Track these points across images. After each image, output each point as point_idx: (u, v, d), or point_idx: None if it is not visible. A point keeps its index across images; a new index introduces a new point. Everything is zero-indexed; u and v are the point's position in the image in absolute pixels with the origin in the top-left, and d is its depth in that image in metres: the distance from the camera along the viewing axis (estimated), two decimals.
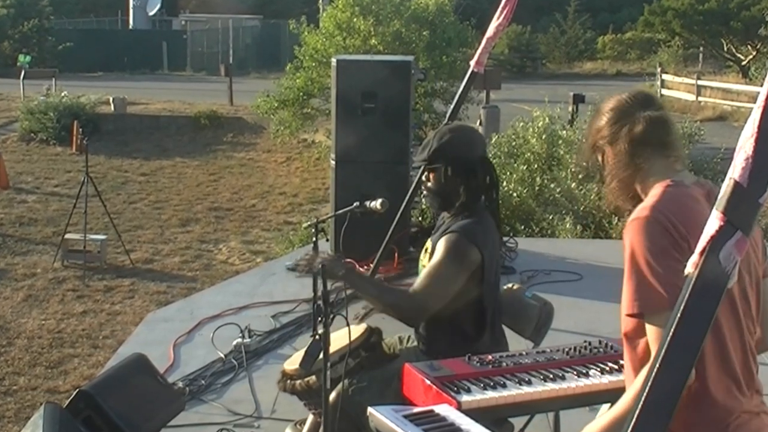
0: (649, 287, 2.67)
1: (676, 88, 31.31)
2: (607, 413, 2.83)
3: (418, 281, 4.10)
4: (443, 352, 4.10)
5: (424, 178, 4.39)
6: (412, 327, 4.29)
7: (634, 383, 2.79)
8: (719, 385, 2.75)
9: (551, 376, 3.59)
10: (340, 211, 4.62)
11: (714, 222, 2.08)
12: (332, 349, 3.92)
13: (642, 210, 2.79)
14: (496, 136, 13.60)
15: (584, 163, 3.24)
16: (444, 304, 4.09)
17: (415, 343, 4.46)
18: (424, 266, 4.30)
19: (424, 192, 4.41)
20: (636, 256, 2.72)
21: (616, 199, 3.05)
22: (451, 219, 4.26)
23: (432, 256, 4.19)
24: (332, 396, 4.04)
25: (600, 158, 3.10)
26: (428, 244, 4.34)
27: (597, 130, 3.07)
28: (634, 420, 2.08)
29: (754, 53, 34.95)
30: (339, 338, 4.19)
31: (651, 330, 2.69)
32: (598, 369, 3.68)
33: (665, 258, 2.67)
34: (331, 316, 3.77)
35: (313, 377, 4.19)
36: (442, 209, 4.39)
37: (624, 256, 2.77)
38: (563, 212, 11.36)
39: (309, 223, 4.46)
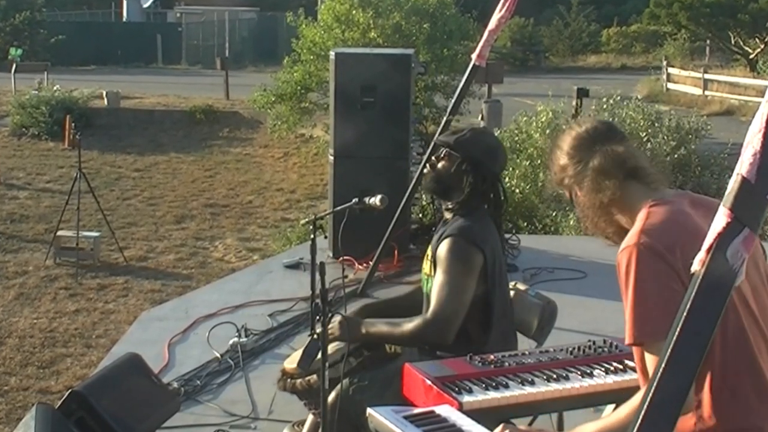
0: (644, 317, 2.71)
1: (683, 81, 31.30)
2: (599, 421, 2.85)
3: (434, 300, 4.08)
4: (447, 353, 4.10)
5: (435, 158, 4.39)
6: (444, 346, 4.24)
7: (631, 399, 2.81)
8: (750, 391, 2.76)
9: (555, 376, 3.59)
10: (339, 208, 4.62)
11: (721, 219, 2.07)
12: (331, 348, 3.92)
13: (631, 237, 2.81)
14: (499, 131, 13.60)
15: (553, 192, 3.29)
16: (465, 311, 4.08)
17: None
18: (426, 273, 4.30)
19: (428, 171, 4.41)
20: (629, 286, 2.75)
21: (599, 234, 3.09)
22: (448, 222, 4.27)
23: (433, 263, 4.19)
24: (332, 395, 4.04)
25: (568, 195, 3.14)
26: (429, 251, 4.34)
27: (561, 168, 3.10)
28: (639, 420, 2.08)
29: (762, 46, 34.91)
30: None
31: (649, 359, 2.74)
32: (603, 369, 3.68)
33: (659, 286, 2.71)
34: (330, 314, 3.78)
35: (314, 376, 4.19)
36: (436, 194, 4.42)
37: (619, 283, 2.79)
38: (567, 209, 11.36)
39: (307, 219, 4.46)
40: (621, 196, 2.96)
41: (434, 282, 4.12)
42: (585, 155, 3.01)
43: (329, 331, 4.12)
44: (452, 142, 4.32)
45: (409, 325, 4.11)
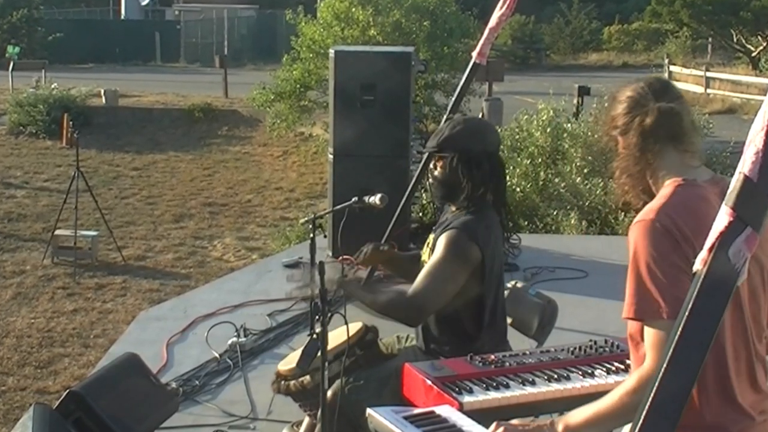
0: (647, 294, 2.68)
1: (684, 80, 31.28)
2: (591, 405, 2.84)
3: (417, 280, 4.10)
4: (442, 352, 4.11)
5: (431, 166, 4.40)
6: (412, 327, 4.30)
7: (624, 382, 2.80)
8: (714, 396, 2.75)
9: (556, 376, 3.59)
10: (338, 207, 4.62)
11: (723, 218, 2.08)
12: (329, 347, 3.92)
13: (648, 212, 2.77)
14: (499, 130, 13.59)
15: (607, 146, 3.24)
16: (444, 303, 4.09)
17: (414, 342, 4.47)
18: (425, 261, 4.30)
19: (430, 180, 4.42)
20: (638, 260, 2.72)
21: (625, 194, 3.03)
22: (453, 214, 4.27)
23: (433, 251, 4.19)
24: (328, 395, 4.04)
25: (613, 145, 3.08)
26: (430, 238, 4.34)
27: (611, 118, 3.05)
28: (641, 420, 2.08)
29: (765, 44, 34.92)
30: (335, 337, 4.20)
31: (647, 334, 2.71)
32: (604, 369, 3.68)
33: (667, 266, 2.67)
34: (329, 314, 3.78)
35: (308, 377, 4.19)
36: (445, 200, 4.40)
37: (628, 255, 2.78)
38: (568, 207, 11.36)
39: (306, 219, 4.46)
40: (660, 159, 2.92)
41: (427, 264, 4.14)
42: (637, 110, 2.95)
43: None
44: (436, 143, 4.32)
45: (384, 297, 4.14)
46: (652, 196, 2.92)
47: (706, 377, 2.71)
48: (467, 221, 4.16)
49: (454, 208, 4.32)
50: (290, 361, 4.38)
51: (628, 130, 2.96)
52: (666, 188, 2.85)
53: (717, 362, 2.72)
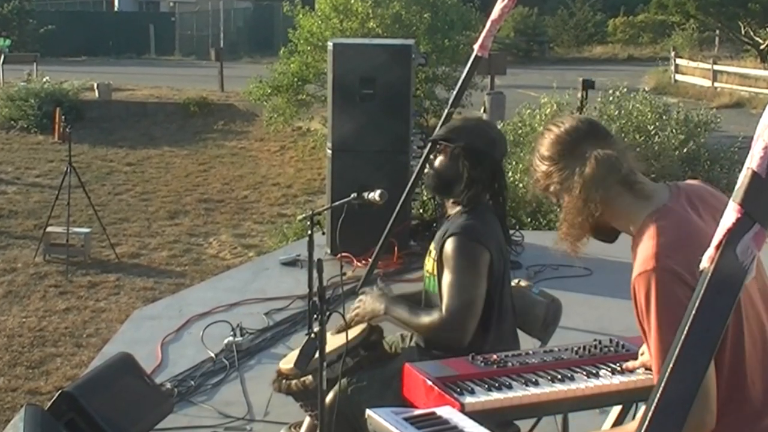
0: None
1: (691, 73, 31.29)
2: (618, 428, 2.83)
3: (445, 301, 4.08)
4: (447, 351, 4.10)
5: (432, 155, 4.40)
6: (462, 346, 4.23)
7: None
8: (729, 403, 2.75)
9: (559, 376, 3.58)
10: (337, 203, 4.62)
11: (731, 214, 2.07)
12: (329, 347, 3.92)
13: (646, 261, 2.75)
14: (502, 124, 13.59)
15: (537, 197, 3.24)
16: (480, 311, 4.08)
17: (417, 342, 4.46)
18: (428, 271, 4.30)
19: (427, 170, 4.42)
20: (651, 315, 2.70)
21: (572, 244, 3.04)
22: (450, 219, 4.27)
23: (438, 262, 4.18)
24: (329, 396, 4.04)
25: (555, 200, 3.09)
26: (431, 247, 4.34)
27: (546, 175, 3.04)
28: (647, 421, 2.08)
29: None
30: (337, 337, 4.19)
31: None
32: (609, 369, 3.67)
33: (683, 310, 2.66)
34: (328, 313, 3.77)
35: (310, 377, 4.19)
36: (439, 191, 4.41)
37: (635, 308, 2.77)
38: None
39: (304, 215, 4.46)
40: (613, 203, 2.92)
41: (443, 283, 4.12)
42: (570, 161, 2.95)
43: (356, 309, 4.16)
44: (444, 133, 4.34)
45: (428, 318, 4.11)
46: (609, 234, 2.98)
47: (724, 388, 2.72)
48: (465, 223, 4.15)
49: (450, 212, 4.32)
50: (292, 359, 4.37)
51: (570, 185, 2.96)
52: (649, 229, 2.84)
53: (735, 371, 2.73)
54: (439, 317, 4.07)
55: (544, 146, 3.04)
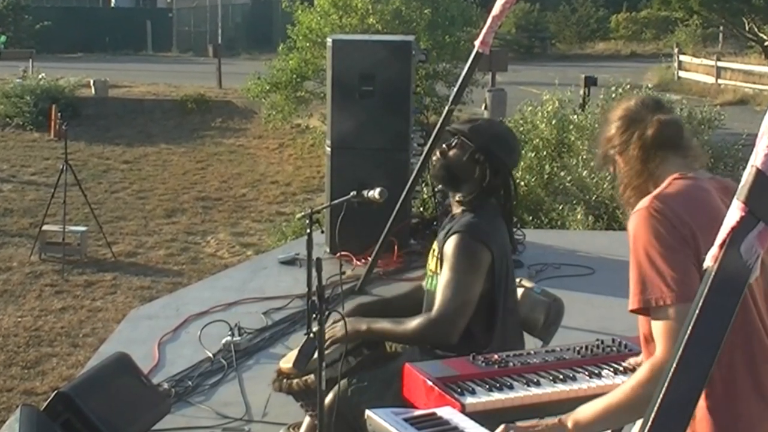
0: (651, 281, 2.74)
1: (695, 69, 31.28)
2: (601, 398, 2.86)
3: (438, 298, 4.09)
4: (450, 352, 4.10)
5: (446, 145, 4.38)
6: (448, 346, 4.25)
7: (635, 373, 2.82)
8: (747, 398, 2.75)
9: (561, 376, 3.59)
10: (336, 201, 4.61)
11: (735, 212, 2.07)
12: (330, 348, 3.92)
13: (642, 202, 2.85)
14: (503, 121, 13.59)
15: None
16: (472, 311, 4.09)
17: None
18: (431, 269, 4.30)
19: (437, 158, 4.40)
20: (638, 249, 2.78)
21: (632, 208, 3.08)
22: (455, 218, 4.26)
23: (440, 260, 4.18)
24: (329, 397, 4.04)
25: (612, 169, 3.16)
26: (434, 245, 4.34)
27: (607, 139, 3.13)
28: (651, 421, 2.08)
29: None
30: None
31: (655, 325, 2.75)
32: (612, 369, 3.68)
33: (668, 250, 2.74)
34: (327, 312, 3.77)
35: (312, 376, 4.18)
36: (444, 184, 4.41)
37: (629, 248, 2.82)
38: (574, 202, 11.37)
39: (303, 213, 4.45)
40: (663, 166, 2.99)
41: (440, 280, 4.12)
42: (635, 126, 3.04)
43: (329, 333, 4.13)
44: (467, 130, 4.31)
45: (413, 323, 4.11)
46: None
47: (739, 384, 2.73)
48: (470, 222, 4.15)
49: (454, 210, 4.32)
50: (291, 359, 4.37)
51: (627, 146, 3.04)
52: (663, 184, 2.94)
53: (749, 368, 2.74)
54: (428, 318, 4.08)
55: (614, 114, 3.14)
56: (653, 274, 2.72)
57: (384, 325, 4.20)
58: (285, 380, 4.38)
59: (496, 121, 4.57)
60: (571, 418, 2.88)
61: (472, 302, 4.08)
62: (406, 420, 2.97)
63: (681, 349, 2.07)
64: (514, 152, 4.43)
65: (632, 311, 2.81)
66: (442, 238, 4.23)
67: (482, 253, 4.10)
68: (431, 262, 4.34)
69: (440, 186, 4.47)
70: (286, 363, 4.43)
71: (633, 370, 3.63)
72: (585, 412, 2.87)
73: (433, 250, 4.34)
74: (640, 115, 3.05)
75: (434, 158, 4.47)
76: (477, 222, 4.15)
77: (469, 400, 3.37)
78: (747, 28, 35.75)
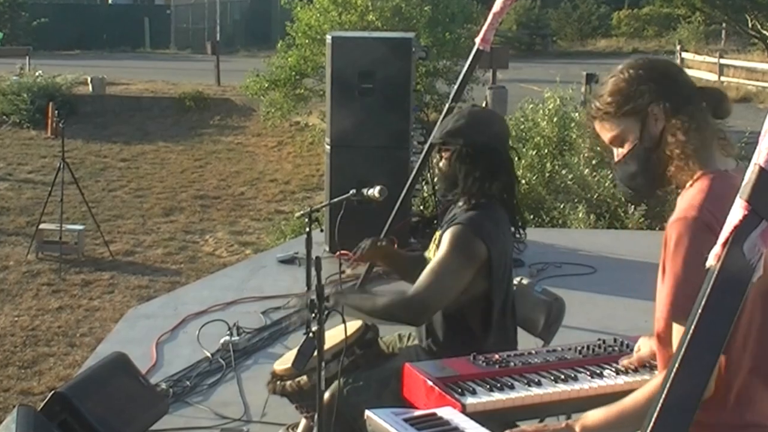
0: (687, 295, 2.64)
1: (697, 67, 31.27)
2: (614, 404, 2.83)
3: (420, 278, 4.09)
4: (447, 351, 4.10)
5: (436, 158, 4.39)
6: (415, 326, 4.29)
7: (651, 381, 2.80)
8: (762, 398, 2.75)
9: (562, 376, 3.59)
10: (336, 200, 4.62)
11: (738, 211, 2.07)
12: (326, 346, 3.92)
13: (689, 209, 2.72)
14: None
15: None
16: (448, 301, 4.08)
17: (416, 342, 4.46)
18: (430, 258, 4.30)
19: (434, 172, 4.43)
20: (677, 259, 2.69)
21: (676, 178, 2.91)
22: (460, 210, 4.26)
23: (437, 247, 4.19)
24: (326, 397, 4.04)
25: (639, 127, 2.94)
26: (436, 235, 4.34)
27: (640, 92, 2.93)
28: (652, 421, 2.08)
29: None
30: (333, 336, 4.19)
31: (678, 331, 2.68)
32: (613, 369, 3.67)
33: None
34: (326, 312, 3.77)
35: (305, 378, 4.19)
36: (450, 192, 4.40)
37: (663, 253, 2.74)
38: (575, 200, 11.36)
39: (302, 212, 4.46)
40: (708, 152, 2.86)
41: (430, 263, 4.13)
42: (684, 89, 2.95)
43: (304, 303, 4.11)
44: (441, 135, 4.32)
45: (384, 299, 4.12)
46: (663, 185, 2.92)
47: (751, 384, 2.72)
48: (473, 216, 4.15)
49: (461, 203, 4.31)
50: (286, 360, 4.38)
51: (678, 110, 2.89)
52: (702, 181, 2.81)
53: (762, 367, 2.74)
54: (401, 298, 4.07)
55: (635, 64, 3.03)
56: (691, 287, 2.56)
57: (354, 298, 4.20)
58: (279, 382, 4.39)
59: (462, 110, 4.51)
60: (579, 423, 2.85)
61: (452, 290, 4.06)
62: (405, 420, 2.97)
63: (683, 350, 2.07)
64: (493, 127, 4.36)
65: (663, 319, 2.75)
66: (444, 228, 4.23)
67: (478, 247, 4.09)
68: (431, 251, 4.35)
69: (452, 196, 4.42)
70: (281, 365, 4.44)
71: (635, 370, 3.63)
72: (595, 416, 2.83)
73: (435, 239, 4.35)
74: (685, 81, 2.99)
75: (431, 175, 4.49)
76: (481, 220, 4.15)
77: (470, 400, 3.37)
78: (750, 25, 35.75)
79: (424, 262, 4.34)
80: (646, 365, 3.57)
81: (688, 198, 2.79)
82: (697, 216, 2.69)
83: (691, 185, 2.84)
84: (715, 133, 2.91)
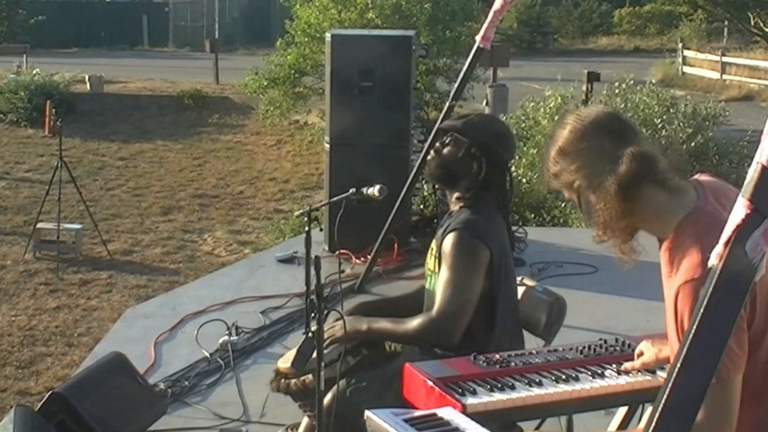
0: None
1: (699, 65, 31.29)
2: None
3: (438, 299, 4.08)
4: (450, 352, 4.10)
5: (440, 144, 4.38)
6: (449, 347, 4.25)
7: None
8: None
9: (564, 376, 3.58)
10: (335, 199, 4.61)
11: (740, 210, 2.07)
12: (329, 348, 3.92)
13: (695, 269, 2.68)
14: (504, 117, 13.59)
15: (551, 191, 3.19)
16: (473, 311, 4.08)
17: None
18: (430, 269, 4.30)
19: (432, 157, 4.40)
20: (685, 321, 2.65)
21: (620, 249, 2.97)
22: (452, 215, 4.26)
23: (438, 258, 4.18)
24: (328, 397, 4.04)
25: (576, 198, 3.00)
26: (433, 244, 4.34)
27: (570, 170, 2.95)
28: (654, 423, 2.08)
29: None
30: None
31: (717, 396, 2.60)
32: (615, 369, 3.67)
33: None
34: (325, 311, 3.77)
35: (310, 376, 4.18)
36: (441, 182, 4.41)
37: (673, 317, 2.71)
38: None
39: (301, 211, 4.44)
40: (648, 204, 2.86)
41: (439, 279, 4.12)
42: (603, 158, 2.87)
43: (329, 332, 4.13)
44: (460, 125, 4.31)
45: (414, 322, 4.11)
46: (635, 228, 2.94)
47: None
48: (467, 219, 4.15)
49: (452, 207, 4.31)
50: (290, 358, 4.37)
51: (601, 183, 2.87)
52: (684, 232, 2.79)
53: None
54: (429, 318, 4.07)
55: (569, 138, 2.95)
56: None
57: (384, 324, 4.19)
58: (283, 380, 4.38)
59: (489, 115, 4.60)
60: None
61: (472, 301, 4.08)
62: (405, 421, 2.97)
63: (685, 350, 2.07)
64: (510, 144, 4.41)
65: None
66: (440, 236, 4.23)
67: (481, 251, 4.09)
68: (429, 261, 4.34)
69: (438, 185, 4.44)
70: (284, 363, 4.43)
71: (628, 372, 3.62)
72: None
73: (431, 249, 4.34)
74: (608, 146, 2.88)
75: (430, 158, 4.47)
76: (475, 219, 4.15)
77: (471, 400, 3.37)
78: (752, 23, 35.75)
79: (425, 270, 4.36)
80: (648, 370, 3.57)
81: (686, 255, 2.75)
82: (702, 275, 2.61)
83: (676, 237, 2.83)
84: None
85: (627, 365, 3.61)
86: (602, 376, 3.63)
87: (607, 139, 2.91)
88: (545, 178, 3.10)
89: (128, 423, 4.89)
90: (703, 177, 3.05)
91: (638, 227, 2.93)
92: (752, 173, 2.06)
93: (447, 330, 4.06)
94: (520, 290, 4.62)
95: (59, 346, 9.43)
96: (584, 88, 14.17)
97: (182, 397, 6.02)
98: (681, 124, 12.85)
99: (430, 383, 3.44)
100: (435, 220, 8.60)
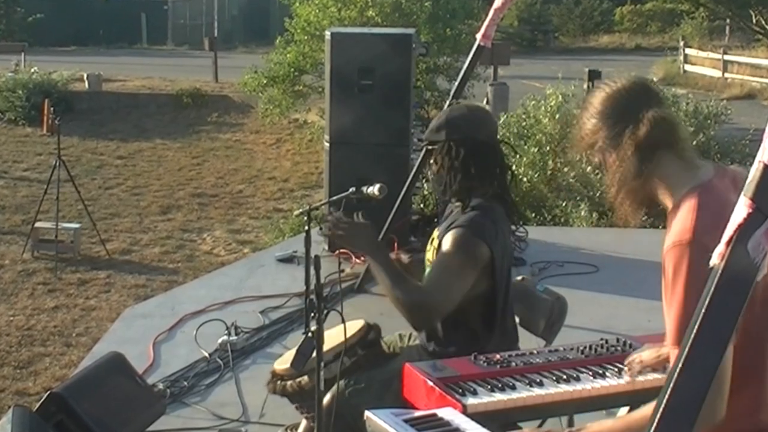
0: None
1: (701, 63, 31.28)
2: (622, 418, 2.83)
3: (424, 284, 4.08)
4: (449, 351, 4.10)
5: (431, 159, 4.39)
6: (418, 330, 4.26)
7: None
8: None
9: (564, 376, 3.59)
10: (335, 198, 4.60)
11: (742, 209, 2.07)
12: (326, 347, 3.92)
13: (683, 232, 2.72)
14: (505, 116, 13.60)
15: (578, 157, 3.22)
16: (453, 307, 4.07)
17: (418, 342, 4.46)
18: (429, 260, 4.30)
19: (429, 174, 4.43)
20: (678, 286, 2.69)
21: (626, 211, 2.99)
22: (458, 210, 4.26)
23: (438, 250, 4.18)
24: (327, 398, 4.04)
25: (600, 159, 3.05)
26: (434, 235, 4.33)
27: (593, 130, 3.01)
28: (656, 423, 2.08)
29: None
30: (334, 336, 4.19)
31: None
32: (616, 369, 3.68)
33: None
34: (325, 311, 3.77)
35: (306, 378, 4.19)
36: (447, 195, 4.39)
37: (663, 280, 2.75)
38: (578, 198, 11.36)
39: (301, 210, 4.44)
40: (661, 168, 2.89)
41: (433, 265, 4.13)
42: (624, 118, 2.93)
43: (335, 227, 4.13)
44: (428, 136, 4.35)
45: (402, 291, 4.01)
46: (651, 206, 2.94)
47: (753, 386, 2.73)
48: (473, 217, 4.14)
49: (456, 201, 4.31)
50: (287, 359, 4.37)
51: (620, 142, 2.93)
52: (689, 201, 2.81)
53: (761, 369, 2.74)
54: (412, 298, 4.02)
55: (599, 101, 3.01)
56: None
57: (387, 269, 4.11)
58: (279, 382, 4.38)
59: (448, 109, 4.54)
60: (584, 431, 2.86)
61: (457, 297, 4.04)
62: (406, 421, 2.97)
63: (686, 350, 2.07)
64: (482, 123, 4.38)
65: (671, 345, 2.75)
66: (443, 229, 4.22)
67: (481, 250, 4.09)
68: (429, 253, 4.34)
69: (455, 199, 4.40)
70: (281, 364, 4.44)
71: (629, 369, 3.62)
72: (599, 428, 2.84)
73: (432, 240, 4.34)
74: (631, 108, 2.94)
75: (426, 178, 4.51)
76: (480, 220, 4.14)
77: (471, 400, 3.37)
78: (754, 21, 35.68)
79: (425, 262, 4.35)
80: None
81: (682, 222, 2.78)
82: (692, 239, 2.69)
83: (678, 204, 2.85)
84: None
85: (627, 371, 3.60)
86: (603, 376, 3.64)
87: (631, 101, 2.97)
88: (574, 144, 3.17)
89: (127, 423, 4.90)
90: (733, 166, 3.07)
91: (650, 194, 2.94)
92: (754, 172, 2.05)
93: (422, 316, 4.04)
94: (521, 290, 4.63)
95: (57, 346, 9.43)
96: (585, 86, 14.18)
97: (181, 397, 6.02)
98: (683, 122, 12.84)
99: (431, 383, 3.44)
100: (435, 219, 8.61)
